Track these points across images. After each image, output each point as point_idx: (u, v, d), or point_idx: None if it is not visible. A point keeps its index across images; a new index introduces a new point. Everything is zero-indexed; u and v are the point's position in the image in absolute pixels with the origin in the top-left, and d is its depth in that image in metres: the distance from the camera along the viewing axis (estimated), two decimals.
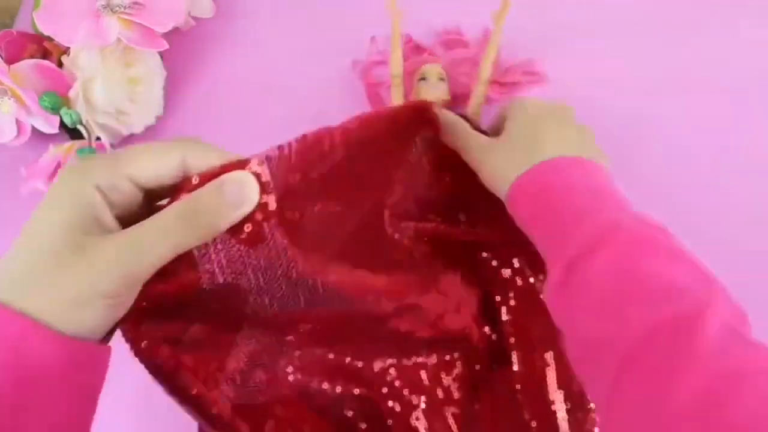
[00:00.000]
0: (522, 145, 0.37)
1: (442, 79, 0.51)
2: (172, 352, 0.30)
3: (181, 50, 0.60)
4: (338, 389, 0.38)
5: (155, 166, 0.27)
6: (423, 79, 0.51)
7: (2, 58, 0.52)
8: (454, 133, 0.39)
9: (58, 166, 0.52)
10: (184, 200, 0.27)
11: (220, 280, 0.29)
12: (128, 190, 0.27)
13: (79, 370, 0.26)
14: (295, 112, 0.57)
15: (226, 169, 0.27)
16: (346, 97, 0.57)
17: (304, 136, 0.31)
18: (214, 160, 0.28)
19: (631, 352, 0.26)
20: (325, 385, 0.38)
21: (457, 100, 0.52)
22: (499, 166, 0.37)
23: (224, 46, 0.62)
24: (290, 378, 0.37)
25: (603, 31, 0.56)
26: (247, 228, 0.28)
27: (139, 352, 0.29)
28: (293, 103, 0.58)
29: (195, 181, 0.27)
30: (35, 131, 0.54)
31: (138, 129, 0.57)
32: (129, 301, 0.27)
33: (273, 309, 0.33)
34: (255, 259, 0.30)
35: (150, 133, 0.58)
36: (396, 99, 0.50)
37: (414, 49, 0.57)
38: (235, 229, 0.28)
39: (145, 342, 0.29)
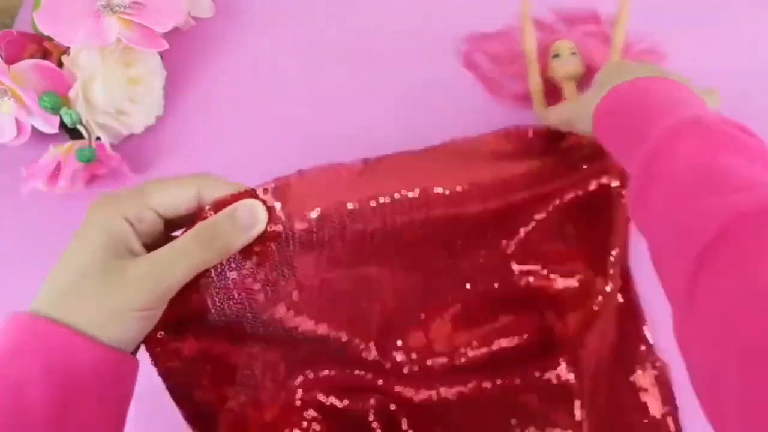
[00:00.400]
0: (605, 84, 0.38)
1: (574, 53, 0.53)
2: (187, 362, 0.34)
3: (181, 50, 0.60)
4: (360, 404, 0.38)
5: (174, 197, 0.31)
6: (556, 55, 0.53)
7: (2, 58, 0.52)
8: (550, 117, 0.44)
9: (58, 166, 0.52)
10: (202, 225, 0.31)
11: (235, 294, 0.33)
12: (152, 219, 0.31)
13: (117, 378, 0.30)
14: (295, 113, 0.57)
15: (236, 197, 0.31)
16: (346, 97, 0.57)
17: (301, 171, 0.35)
18: (225, 191, 0.32)
19: (714, 241, 0.26)
20: (343, 402, 0.38)
21: (589, 73, 0.53)
22: (587, 108, 0.38)
23: (224, 46, 0.62)
24: (298, 398, 0.37)
25: (729, 14, 0.56)
26: (257, 248, 0.32)
27: (157, 361, 0.33)
28: (293, 104, 0.58)
29: (209, 209, 0.31)
30: (35, 131, 0.54)
31: (138, 129, 0.57)
32: (158, 314, 0.30)
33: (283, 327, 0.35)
34: (263, 276, 0.33)
35: (150, 133, 0.58)
36: (533, 79, 0.52)
37: (537, 26, 0.57)
38: (246, 250, 0.32)
39: (163, 352, 0.32)
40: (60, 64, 0.54)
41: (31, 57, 0.55)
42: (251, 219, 0.31)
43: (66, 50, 0.54)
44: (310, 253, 0.34)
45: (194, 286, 0.31)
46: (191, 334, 0.33)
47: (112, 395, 0.30)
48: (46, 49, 0.56)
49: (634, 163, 0.33)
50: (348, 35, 0.61)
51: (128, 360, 0.30)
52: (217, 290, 0.32)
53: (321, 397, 0.37)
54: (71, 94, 0.52)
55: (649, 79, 0.37)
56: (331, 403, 0.38)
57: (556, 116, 0.44)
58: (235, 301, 0.33)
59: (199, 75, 0.61)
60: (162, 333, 0.32)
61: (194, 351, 0.34)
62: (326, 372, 0.38)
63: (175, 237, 0.32)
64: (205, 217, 0.31)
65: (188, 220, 0.32)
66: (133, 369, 0.31)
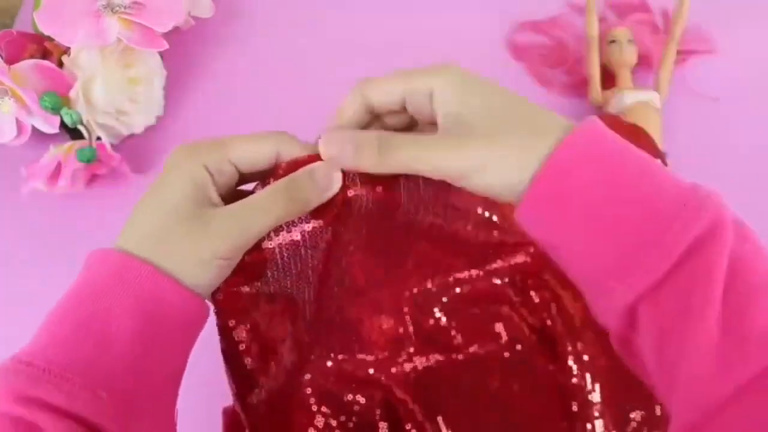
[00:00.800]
0: (496, 132, 0.28)
1: (630, 41, 0.54)
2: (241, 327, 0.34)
3: (181, 50, 0.60)
4: (362, 400, 0.38)
5: (255, 153, 0.32)
6: (613, 41, 0.54)
7: (2, 58, 0.52)
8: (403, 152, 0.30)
9: (59, 166, 0.52)
10: (284, 181, 0.32)
11: (302, 252, 0.34)
12: (230, 172, 0.32)
13: (193, 322, 0.31)
14: (295, 113, 0.57)
15: (313, 159, 0.32)
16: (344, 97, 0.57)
17: None
18: (303, 152, 0.32)
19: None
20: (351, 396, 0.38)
21: (641, 62, 0.55)
22: (485, 170, 0.28)
23: (224, 46, 0.62)
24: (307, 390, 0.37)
25: None
26: (328, 209, 0.33)
27: (219, 314, 0.34)
28: (293, 103, 0.58)
29: (285, 167, 0.32)
30: (35, 131, 0.54)
31: (138, 129, 0.57)
32: (234, 264, 0.32)
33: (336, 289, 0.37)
34: (329, 236, 0.34)
35: (150, 133, 0.58)
36: (593, 62, 0.54)
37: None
38: (318, 210, 0.33)
39: (227, 307, 0.34)
40: (60, 64, 0.54)
41: (32, 57, 0.55)
42: (327, 180, 0.32)
43: (66, 50, 0.54)
44: (374, 222, 0.35)
45: (267, 239, 0.33)
46: (256, 296, 0.35)
47: (186, 337, 0.31)
48: (46, 49, 0.56)
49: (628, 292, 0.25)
50: (349, 35, 0.61)
51: (204, 306, 0.31)
52: (287, 245, 0.34)
53: (331, 389, 0.38)
54: (71, 94, 0.52)
55: (600, 141, 0.27)
56: (340, 397, 0.38)
57: (414, 151, 0.30)
58: (301, 258, 0.34)
59: (199, 75, 0.61)
60: (232, 287, 0.33)
61: (251, 317, 0.35)
62: (340, 357, 0.38)
63: (244, 191, 0.33)
64: (281, 175, 0.32)
65: (258, 176, 0.33)
66: (206, 315, 0.32)
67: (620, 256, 0.26)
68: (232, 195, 0.32)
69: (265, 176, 0.33)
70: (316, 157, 0.33)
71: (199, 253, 0.29)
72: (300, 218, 0.33)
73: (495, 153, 0.28)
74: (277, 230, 0.33)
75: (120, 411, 0.27)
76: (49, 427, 0.26)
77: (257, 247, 0.33)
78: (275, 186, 0.32)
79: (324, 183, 0.32)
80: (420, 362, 0.39)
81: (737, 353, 0.23)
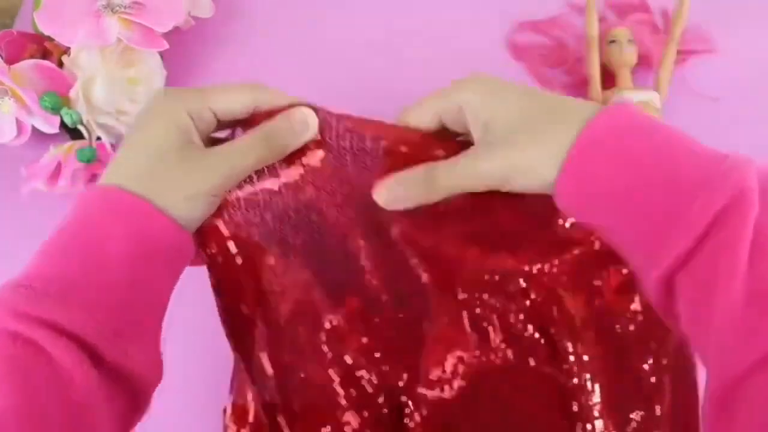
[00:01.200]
0: (538, 130, 0.30)
1: (630, 41, 0.54)
2: (232, 262, 0.36)
3: (181, 50, 0.60)
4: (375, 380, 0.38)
5: (234, 102, 0.34)
6: (613, 41, 0.54)
7: (2, 58, 0.52)
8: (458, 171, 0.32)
9: (59, 166, 0.52)
10: (262, 126, 0.33)
11: (276, 188, 0.35)
12: (209, 119, 0.33)
13: (180, 255, 0.33)
14: None
15: (290, 107, 0.34)
16: (346, 98, 0.57)
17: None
18: (280, 102, 0.34)
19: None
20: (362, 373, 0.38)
21: (641, 62, 0.55)
22: (518, 174, 0.31)
23: (224, 46, 0.62)
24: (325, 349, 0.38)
25: None
26: (301, 154, 0.35)
27: (206, 255, 0.35)
28: None
29: (263, 114, 0.34)
30: (35, 131, 0.54)
31: None
32: (219, 200, 0.33)
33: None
34: (300, 180, 0.36)
35: None
36: (593, 62, 0.54)
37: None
38: (291, 155, 0.34)
39: (212, 247, 0.35)
40: (60, 64, 0.54)
41: (32, 57, 0.55)
42: (303, 125, 0.34)
43: (66, 50, 0.54)
44: (350, 171, 0.36)
45: (249, 183, 0.35)
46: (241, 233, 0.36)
47: (173, 269, 0.33)
48: (46, 49, 0.57)
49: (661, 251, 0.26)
50: (349, 35, 0.61)
51: (190, 240, 0.33)
52: (268, 191, 0.35)
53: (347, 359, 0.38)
54: (72, 94, 0.52)
55: (622, 121, 0.29)
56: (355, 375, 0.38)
57: (467, 171, 0.32)
58: (277, 195, 0.35)
59: (199, 75, 0.61)
60: (218, 223, 0.35)
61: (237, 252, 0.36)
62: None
63: (219, 138, 0.35)
64: (258, 122, 0.34)
65: (232, 124, 0.35)
66: (192, 249, 0.34)
67: (648, 232, 0.27)
68: (208, 141, 0.34)
69: (245, 123, 0.34)
70: (293, 106, 0.34)
71: (188, 189, 0.31)
72: (278, 163, 0.34)
73: (521, 158, 0.30)
74: (261, 176, 0.34)
75: (112, 334, 0.29)
76: (48, 344, 0.27)
77: (240, 189, 0.34)
78: (255, 131, 0.33)
79: (299, 127, 0.34)
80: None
81: (763, 322, 0.23)
